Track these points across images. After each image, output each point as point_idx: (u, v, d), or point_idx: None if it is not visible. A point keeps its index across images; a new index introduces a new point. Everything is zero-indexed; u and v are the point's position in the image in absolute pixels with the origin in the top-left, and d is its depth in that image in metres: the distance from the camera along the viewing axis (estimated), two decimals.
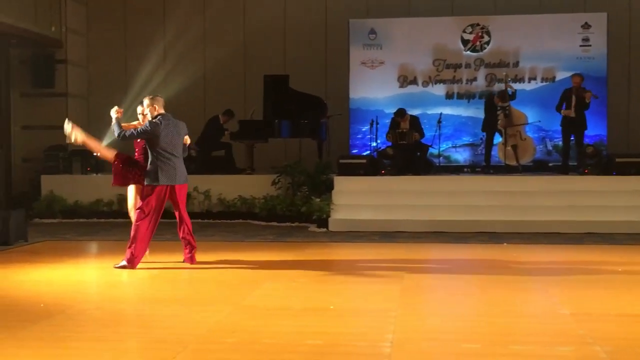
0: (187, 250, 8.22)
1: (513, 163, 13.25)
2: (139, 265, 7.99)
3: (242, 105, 14.80)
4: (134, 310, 6.32)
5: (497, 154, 13.61)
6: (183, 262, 8.23)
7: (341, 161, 12.94)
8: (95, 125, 15.29)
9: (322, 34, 15.42)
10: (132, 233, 7.97)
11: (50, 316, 5.88)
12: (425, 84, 14.67)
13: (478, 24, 14.57)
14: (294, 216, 12.30)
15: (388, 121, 13.85)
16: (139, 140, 8.18)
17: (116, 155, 8.34)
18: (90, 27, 16.10)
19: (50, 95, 15.24)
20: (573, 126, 12.89)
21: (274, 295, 6.83)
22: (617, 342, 5.12)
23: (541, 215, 11.42)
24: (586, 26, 14.19)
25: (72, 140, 8.41)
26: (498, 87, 13.91)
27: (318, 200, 12.08)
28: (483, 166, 13.74)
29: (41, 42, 14.91)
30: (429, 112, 14.40)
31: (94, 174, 14.14)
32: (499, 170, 13.26)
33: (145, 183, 8.00)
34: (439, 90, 14.66)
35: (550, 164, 13.86)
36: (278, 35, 15.54)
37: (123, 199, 12.20)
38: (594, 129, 13.60)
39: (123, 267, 7.95)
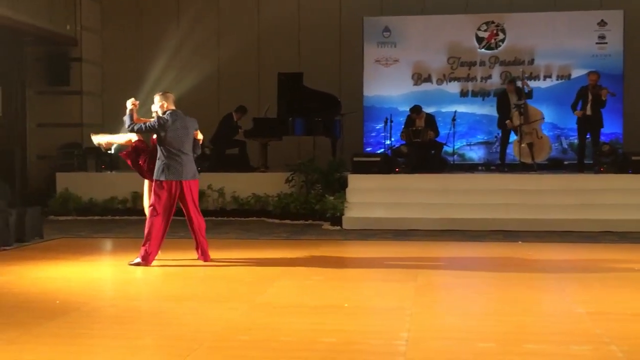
0: (198, 248, 8.23)
1: (528, 161, 13.18)
2: (153, 263, 8.02)
3: (256, 102, 14.81)
4: (149, 307, 6.34)
5: (512, 151, 13.55)
6: (197, 259, 8.24)
7: (355, 159, 12.92)
8: (109, 123, 15.44)
9: (336, 31, 15.39)
10: (146, 231, 8.00)
11: (66, 313, 5.90)
12: (440, 81, 14.62)
13: (493, 22, 14.50)
14: (308, 214, 12.30)
15: (402, 119, 13.83)
16: (154, 136, 8.20)
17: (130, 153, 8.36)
18: (105, 25, 16.16)
19: (65, 93, 15.30)
20: (589, 124, 12.81)
21: (288, 293, 6.83)
22: (634, 341, 5.08)
23: (556, 214, 11.36)
24: (602, 23, 14.11)
25: (104, 147, 8.75)
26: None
27: (332, 198, 12.07)
28: (498, 164, 13.68)
29: (56, 40, 14.98)
30: (444, 110, 14.35)
31: (109, 172, 14.20)
32: (514, 168, 13.20)
33: (154, 178, 8.03)
34: (454, 88, 14.61)
35: (566, 162, 13.79)
36: (292, 33, 15.53)
37: (137, 196, 12.32)
38: (610, 127, 13.51)
39: (137, 264, 7.97)
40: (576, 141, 13.47)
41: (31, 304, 6.30)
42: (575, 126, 13.21)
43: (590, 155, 12.97)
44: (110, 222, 12.69)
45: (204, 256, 8.22)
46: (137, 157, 8.29)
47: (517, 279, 7.39)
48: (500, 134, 13.74)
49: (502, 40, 14.46)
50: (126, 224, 12.16)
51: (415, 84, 14.65)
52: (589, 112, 12.69)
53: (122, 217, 13.00)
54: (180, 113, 8.11)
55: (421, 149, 13.23)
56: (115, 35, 16.04)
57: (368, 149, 14.49)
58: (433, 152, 13.41)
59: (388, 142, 13.77)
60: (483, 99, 14.52)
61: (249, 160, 14.08)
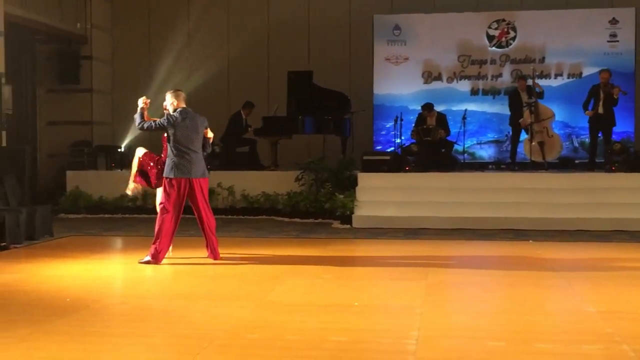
0: (208, 246, 8.24)
1: (539, 160, 13.14)
2: (163, 261, 8.02)
3: (266, 101, 14.80)
4: (158, 305, 6.34)
5: (522, 150, 13.50)
6: (207, 257, 8.24)
7: (365, 157, 12.91)
8: (119, 121, 15.50)
9: (346, 29, 15.38)
10: (156, 229, 8.01)
11: (76, 311, 5.91)
12: (450, 80, 14.59)
13: (504, 20, 14.46)
14: (318, 212, 12.30)
15: (412, 118, 13.80)
16: (164, 134, 8.21)
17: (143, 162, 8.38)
18: (115, 24, 16.20)
19: (76, 91, 15.36)
20: (601, 123, 12.74)
21: (297, 291, 6.82)
22: None
23: (567, 213, 11.32)
24: (614, 21, 14.04)
25: (140, 191, 8.87)
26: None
27: (342, 196, 12.05)
28: (508, 163, 13.64)
29: (66, 39, 15.04)
30: (454, 108, 14.32)
31: (119, 170, 14.21)
32: (524, 167, 13.16)
33: (164, 176, 8.04)
34: (464, 86, 14.57)
35: (577, 161, 13.73)
36: (302, 31, 15.53)
37: (147, 195, 12.29)
38: (622, 126, 13.43)
39: (147, 262, 7.97)
40: (587, 140, 13.41)
41: (42, 301, 6.31)
42: (586, 125, 13.16)
43: (602, 154, 12.91)
44: (120, 220, 12.72)
45: (214, 254, 8.22)
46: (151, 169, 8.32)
47: (527, 278, 7.36)
48: (510, 133, 13.69)
49: (513, 39, 14.42)
50: (136, 222, 12.19)
51: (426, 82, 14.63)
52: (601, 110, 12.63)
53: (132, 215, 13.03)
54: (190, 111, 8.12)
55: (431, 147, 13.20)
56: (125, 34, 16.09)
57: (378, 148, 14.48)
58: (443, 150, 13.38)
59: (398, 140, 13.75)
60: (494, 98, 14.48)
61: (259, 158, 14.08)
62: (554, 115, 13.40)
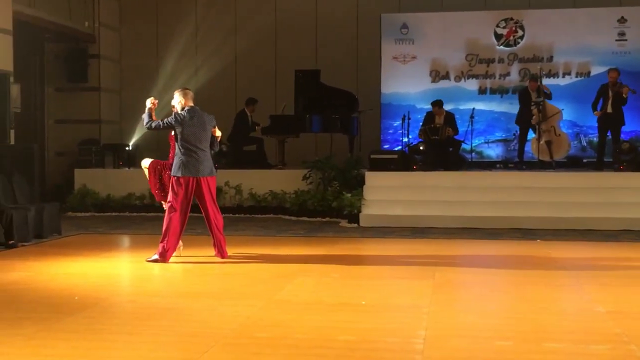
0: (215, 245, 8.25)
1: (546, 159, 13.11)
2: (171, 259, 8.03)
3: (273, 99, 14.82)
4: (166, 303, 6.35)
5: (530, 149, 13.46)
6: (214, 256, 8.25)
7: (372, 156, 12.90)
8: (127, 119, 15.53)
9: (353, 28, 15.37)
10: (164, 227, 8.02)
11: (84, 309, 5.93)
12: (458, 79, 14.57)
13: (512, 19, 14.43)
14: (325, 211, 12.31)
15: (420, 116, 13.78)
16: (172, 133, 8.22)
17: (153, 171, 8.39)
18: (123, 22, 16.23)
19: (84, 90, 15.40)
20: (610, 122, 12.71)
21: (305, 290, 6.82)
22: None
23: (575, 212, 11.29)
24: (622, 20, 13.99)
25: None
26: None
27: (349, 195, 12.04)
28: (516, 162, 13.61)
29: (75, 37, 15.07)
30: (461, 107, 14.29)
31: (126, 168, 14.26)
32: (532, 166, 13.12)
33: (171, 175, 8.05)
34: (472, 85, 14.54)
35: (585, 160, 13.69)
36: (309, 29, 15.52)
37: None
38: (630, 125, 13.37)
39: (155, 260, 7.99)
40: (595, 139, 13.37)
41: (50, 299, 6.33)
42: (594, 124, 13.13)
43: (610, 153, 12.87)
44: (128, 218, 12.75)
45: (221, 253, 8.23)
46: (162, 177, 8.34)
47: (535, 277, 7.34)
48: (518, 132, 13.66)
49: (521, 37, 14.38)
50: (144, 221, 12.21)
51: (433, 81, 14.61)
52: (609, 109, 12.59)
53: (140, 214, 13.06)
54: (197, 110, 8.13)
55: (439, 146, 13.18)
56: (133, 32, 16.11)
57: (385, 146, 14.47)
58: (451, 149, 13.36)
59: (405, 139, 13.73)
60: (501, 96, 14.45)
61: (266, 157, 14.10)
62: (561, 112, 13.34)
